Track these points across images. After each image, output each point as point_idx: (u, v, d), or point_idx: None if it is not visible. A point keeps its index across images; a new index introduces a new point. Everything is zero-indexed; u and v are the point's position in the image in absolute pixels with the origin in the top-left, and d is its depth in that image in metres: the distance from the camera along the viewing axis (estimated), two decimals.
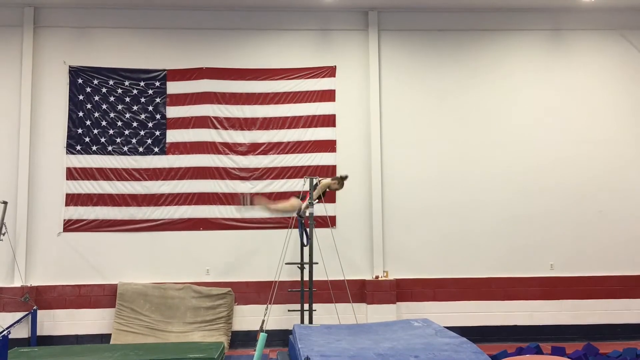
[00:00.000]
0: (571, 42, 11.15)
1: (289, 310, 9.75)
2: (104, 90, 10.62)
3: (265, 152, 10.66)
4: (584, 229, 10.70)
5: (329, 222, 10.06)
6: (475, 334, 9.56)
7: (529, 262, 10.58)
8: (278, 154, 10.65)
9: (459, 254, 10.59)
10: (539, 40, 11.14)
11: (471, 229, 10.64)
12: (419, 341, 5.99)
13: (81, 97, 10.57)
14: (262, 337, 5.48)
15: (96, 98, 10.59)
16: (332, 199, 10.47)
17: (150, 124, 10.64)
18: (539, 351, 8.14)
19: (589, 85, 11.06)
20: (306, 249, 9.26)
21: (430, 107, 10.92)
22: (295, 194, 9.46)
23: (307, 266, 9.18)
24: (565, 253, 10.64)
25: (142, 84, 10.67)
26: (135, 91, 10.66)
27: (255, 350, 5.60)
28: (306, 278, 9.18)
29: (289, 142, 10.71)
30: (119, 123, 10.60)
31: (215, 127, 10.67)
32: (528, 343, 8.83)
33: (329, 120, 10.78)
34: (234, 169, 10.63)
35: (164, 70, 10.72)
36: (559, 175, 10.79)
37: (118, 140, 10.57)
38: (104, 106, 10.61)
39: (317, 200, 9.08)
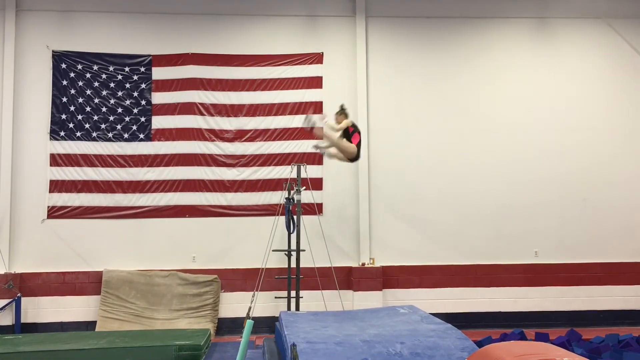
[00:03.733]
0: (557, 30, 11.17)
1: (275, 297, 9.76)
2: (88, 75, 10.47)
3: (251, 139, 10.60)
4: (569, 217, 10.79)
5: (316, 209, 10.03)
6: (461, 320, 9.64)
7: (514, 250, 10.66)
8: (265, 140, 10.60)
9: (445, 242, 10.64)
10: (526, 29, 11.15)
11: (457, 216, 10.69)
12: (405, 327, 6.02)
13: (65, 83, 10.42)
14: (248, 324, 5.45)
15: (80, 83, 10.45)
16: (319, 187, 10.46)
17: (135, 110, 10.52)
18: (523, 337, 8.23)
19: (575, 74, 11.10)
20: (293, 236, 9.26)
21: (417, 95, 10.90)
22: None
23: (294, 253, 9.19)
24: (549, 240, 10.73)
25: (126, 69, 10.54)
26: (120, 77, 10.52)
27: (241, 337, 5.57)
28: (293, 265, 9.19)
29: (275, 129, 10.65)
30: (104, 109, 10.48)
31: (202, 114, 10.58)
32: (512, 329, 8.92)
33: (316, 107, 10.72)
34: (220, 155, 10.56)
35: (149, 55, 10.58)
36: (544, 163, 10.85)
37: (103, 126, 10.45)
38: (88, 92, 10.47)
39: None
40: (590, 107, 11.05)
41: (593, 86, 11.10)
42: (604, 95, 11.10)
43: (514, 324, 9.92)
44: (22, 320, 9.80)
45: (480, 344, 7.44)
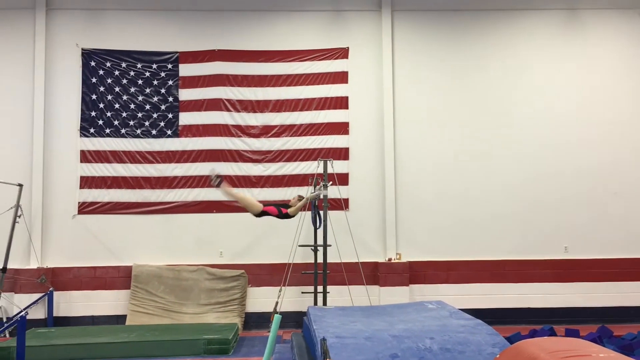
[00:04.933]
0: (587, 22, 10.97)
1: (302, 292, 9.80)
2: (116, 72, 10.61)
3: (277, 135, 10.64)
4: (599, 212, 10.61)
5: (342, 204, 10.02)
6: (489, 316, 9.48)
7: (543, 245, 10.52)
8: (291, 136, 10.62)
9: (472, 236, 10.55)
10: (555, 20, 10.97)
11: (484, 211, 10.58)
12: (434, 323, 5.99)
13: (94, 80, 10.57)
14: (276, 318, 5.49)
15: (109, 81, 10.59)
16: (345, 182, 10.45)
17: (163, 107, 10.63)
18: (552, 333, 8.14)
19: (605, 66, 10.89)
20: (320, 231, 9.26)
21: (444, 89, 10.81)
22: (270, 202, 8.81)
23: (320, 248, 9.20)
24: (579, 235, 10.56)
25: (154, 66, 10.65)
26: (147, 73, 10.64)
27: (269, 331, 5.61)
28: (320, 260, 9.20)
29: (301, 125, 10.67)
30: (132, 106, 10.61)
31: (228, 110, 10.65)
32: (542, 325, 8.83)
33: (341, 102, 10.72)
34: (246, 151, 10.62)
35: (176, 52, 10.68)
36: (574, 157, 10.69)
37: (131, 123, 10.58)
38: (117, 89, 10.61)
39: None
40: (620, 99, 10.83)
41: (623, 78, 10.88)
42: (635, 87, 10.87)
43: (543, 320, 9.79)
44: (55, 314, 9.99)
45: (509, 340, 7.38)
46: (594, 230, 10.57)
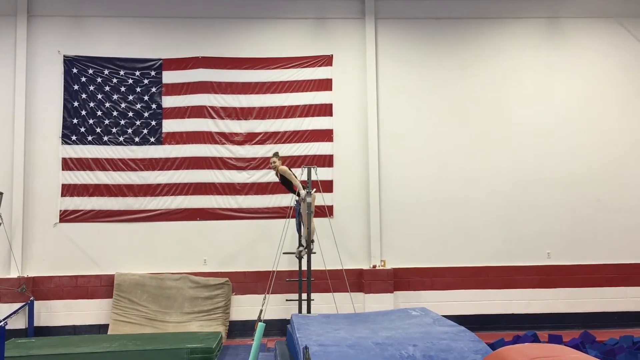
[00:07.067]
0: (569, 30, 11.10)
1: (287, 300, 9.76)
2: (99, 79, 10.53)
3: (262, 142, 10.62)
4: (581, 218, 10.71)
5: (326, 211, 10.02)
6: (473, 322, 9.59)
7: (526, 251, 10.59)
8: (275, 143, 10.60)
9: (457, 243, 10.59)
10: (537, 29, 11.09)
11: (469, 218, 10.64)
12: (417, 330, 5.99)
13: (76, 87, 10.49)
14: (260, 326, 5.45)
15: (91, 88, 10.52)
16: (329, 189, 10.44)
17: (146, 114, 10.57)
18: (536, 339, 8.16)
19: (587, 74, 11.03)
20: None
21: (428, 96, 10.87)
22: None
23: (305, 255, 9.16)
24: (562, 242, 10.65)
25: (137, 73, 10.59)
26: (130, 81, 10.58)
27: (253, 340, 5.57)
28: (304, 268, 9.17)
29: (285, 132, 10.66)
30: (115, 113, 10.53)
31: (212, 117, 10.61)
32: (525, 331, 8.86)
33: (325, 110, 10.73)
34: (230, 158, 10.59)
35: (160, 59, 10.64)
36: (557, 164, 10.78)
37: (114, 130, 10.50)
38: (99, 96, 10.53)
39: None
40: (602, 107, 10.97)
41: (605, 86, 11.02)
42: (616, 95, 11.01)
43: (527, 326, 9.85)
44: (35, 324, 9.85)
45: (492, 346, 7.38)
46: (576, 236, 10.67)
